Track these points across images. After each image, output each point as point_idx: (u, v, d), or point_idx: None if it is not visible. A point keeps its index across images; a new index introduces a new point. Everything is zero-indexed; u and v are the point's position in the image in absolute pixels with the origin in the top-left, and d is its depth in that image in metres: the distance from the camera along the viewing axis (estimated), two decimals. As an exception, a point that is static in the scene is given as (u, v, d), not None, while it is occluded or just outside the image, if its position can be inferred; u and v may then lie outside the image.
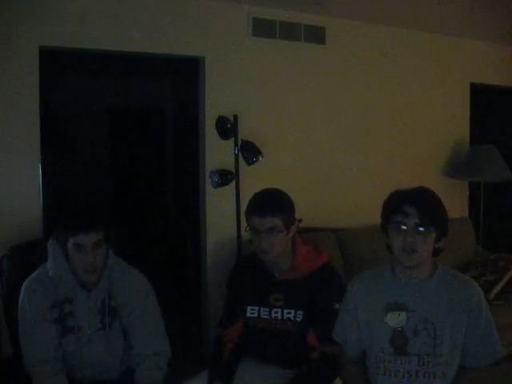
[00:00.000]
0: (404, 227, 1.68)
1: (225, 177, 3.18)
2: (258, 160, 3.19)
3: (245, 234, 2.91)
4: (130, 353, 2.05)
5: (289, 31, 3.48)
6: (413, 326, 1.70)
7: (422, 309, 1.70)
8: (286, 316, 2.02)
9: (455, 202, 4.23)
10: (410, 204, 1.68)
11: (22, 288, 1.99)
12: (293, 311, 2.01)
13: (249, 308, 2.07)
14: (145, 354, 2.01)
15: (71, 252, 1.91)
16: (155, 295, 2.12)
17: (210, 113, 3.30)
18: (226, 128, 3.17)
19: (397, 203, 1.72)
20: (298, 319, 2.00)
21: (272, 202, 1.98)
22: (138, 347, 2.03)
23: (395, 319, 1.71)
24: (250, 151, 3.18)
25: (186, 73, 3.57)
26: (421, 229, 1.67)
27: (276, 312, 2.03)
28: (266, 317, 2.04)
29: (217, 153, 3.32)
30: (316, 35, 3.58)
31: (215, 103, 3.32)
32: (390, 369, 1.72)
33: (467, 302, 1.70)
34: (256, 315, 2.06)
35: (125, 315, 2.03)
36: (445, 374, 1.70)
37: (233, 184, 3.21)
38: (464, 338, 1.70)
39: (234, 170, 3.21)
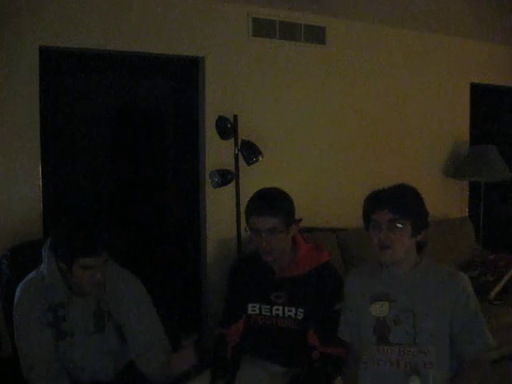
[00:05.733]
0: (378, 224, 1.77)
1: (225, 177, 3.17)
2: (257, 160, 3.19)
3: (245, 234, 2.91)
4: (128, 351, 2.05)
5: (289, 31, 3.48)
6: (394, 316, 1.76)
7: (403, 299, 1.77)
8: (287, 313, 2.02)
9: (455, 202, 4.23)
10: (382, 202, 1.78)
11: (17, 291, 1.97)
12: (294, 309, 2.01)
13: (250, 305, 2.08)
14: (144, 348, 2.00)
15: (77, 271, 1.88)
16: (149, 297, 2.10)
17: (210, 113, 3.30)
18: (226, 128, 3.16)
19: (371, 203, 1.82)
20: (299, 317, 2.01)
21: (271, 202, 1.98)
22: (134, 346, 2.02)
23: (378, 309, 1.79)
24: (249, 151, 3.18)
25: (186, 73, 3.57)
26: (397, 225, 1.75)
27: (277, 309, 2.04)
28: (267, 314, 2.05)
29: (217, 153, 3.32)
30: (316, 35, 3.58)
31: (215, 103, 3.32)
32: (373, 358, 1.77)
33: (451, 292, 1.75)
34: (257, 312, 2.06)
35: (118, 317, 2.03)
36: (430, 363, 1.70)
37: (233, 184, 3.21)
38: (453, 329, 1.74)
39: (234, 170, 3.21)
